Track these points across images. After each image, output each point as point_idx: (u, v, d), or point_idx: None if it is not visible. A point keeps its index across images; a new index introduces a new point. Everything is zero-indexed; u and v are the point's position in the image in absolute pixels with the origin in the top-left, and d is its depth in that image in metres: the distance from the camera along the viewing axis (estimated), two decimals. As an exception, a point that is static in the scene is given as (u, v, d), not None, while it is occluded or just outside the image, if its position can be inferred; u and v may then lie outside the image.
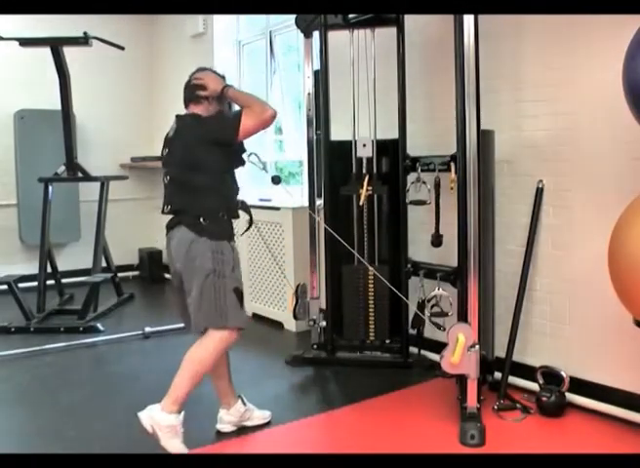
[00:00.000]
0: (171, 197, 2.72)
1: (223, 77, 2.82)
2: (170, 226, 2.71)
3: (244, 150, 2.77)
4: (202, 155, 2.61)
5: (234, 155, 2.72)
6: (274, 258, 4.44)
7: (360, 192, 3.44)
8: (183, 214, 2.65)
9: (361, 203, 3.46)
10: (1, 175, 5.78)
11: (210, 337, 2.60)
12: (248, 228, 2.92)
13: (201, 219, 2.59)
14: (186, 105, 2.77)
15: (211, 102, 2.73)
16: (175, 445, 2.52)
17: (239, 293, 2.64)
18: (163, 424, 2.52)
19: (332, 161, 3.62)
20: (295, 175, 5.32)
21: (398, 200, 3.47)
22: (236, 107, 2.77)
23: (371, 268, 3.47)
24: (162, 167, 2.80)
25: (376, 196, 3.54)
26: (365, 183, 3.43)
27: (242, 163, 2.79)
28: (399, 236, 3.51)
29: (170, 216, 2.73)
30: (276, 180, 3.17)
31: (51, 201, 4.91)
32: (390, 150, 3.51)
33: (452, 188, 3.01)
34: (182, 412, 2.56)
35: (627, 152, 2.74)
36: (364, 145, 3.46)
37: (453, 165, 3.07)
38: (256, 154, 2.89)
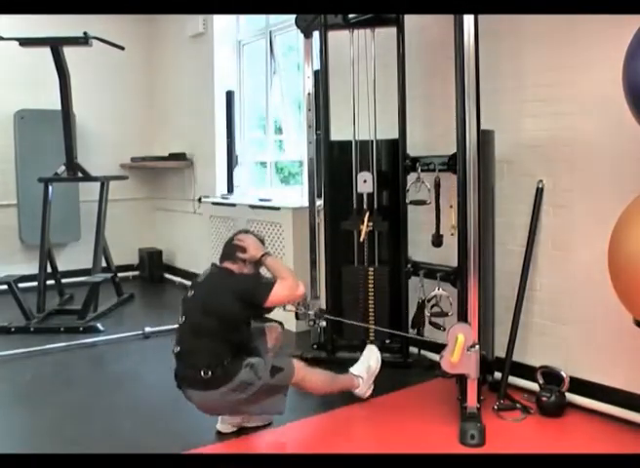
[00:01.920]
0: (182, 338, 2.75)
1: (262, 241, 2.91)
2: (179, 382, 2.74)
3: (269, 312, 2.88)
4: (227, 305, 2.66)
5: (257, 310, 2.80)
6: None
7: (361, 228, 3.43)
8: (188, 361, 2.67)
9: (362, 239, 3.45)
10: (1, 175, 5.79)
11: (298, 384, 2.81)
12: None
13: (202, 373, 2.59)
14: (222, 261, 2.83)
15: (246, 265, 2.80)
16: (374, 358, 3.15)
17: (276, 369, 2.72)
18: (365, 386, 3.06)
19: (332, 161, 3.62)
20: (295, 176, 5.32)
21: (398, 200, 3.47)
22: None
23: (372, 268, 3.46)
24: (181, 306, 2.81)
25: (375, 194, 3.53)
26: (365, 220, 3.43)
27: (261, 316, 2.97)
28: (399, 236, 3.51)
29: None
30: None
31: (51, 201, 4.91)
32: (392, 184, 3.48)
33: (452, 234, 2.94)
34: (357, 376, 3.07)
35: (627, 152, 2.74)
36: (365, 181, 3.44)
37: (454, 208, 2.91)
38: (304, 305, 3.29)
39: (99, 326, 4.45)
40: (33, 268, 4.90)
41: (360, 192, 3.46)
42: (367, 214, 3.44)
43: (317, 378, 2.87)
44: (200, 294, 2.75)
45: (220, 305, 2.66)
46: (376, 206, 3.47)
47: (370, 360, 3.13)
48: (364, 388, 3.05)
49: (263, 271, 2.92)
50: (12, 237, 5.84)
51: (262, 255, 2.81)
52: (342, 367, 3.58)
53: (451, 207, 2.96)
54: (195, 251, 5.65)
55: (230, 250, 2.82)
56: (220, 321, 2.65)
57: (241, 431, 2.80)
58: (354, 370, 3.08)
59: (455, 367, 2.67)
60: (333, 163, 3.62)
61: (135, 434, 2.80)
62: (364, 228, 3.42)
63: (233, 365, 2.64)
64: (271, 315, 4.56)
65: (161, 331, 4.28)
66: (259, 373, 2.65)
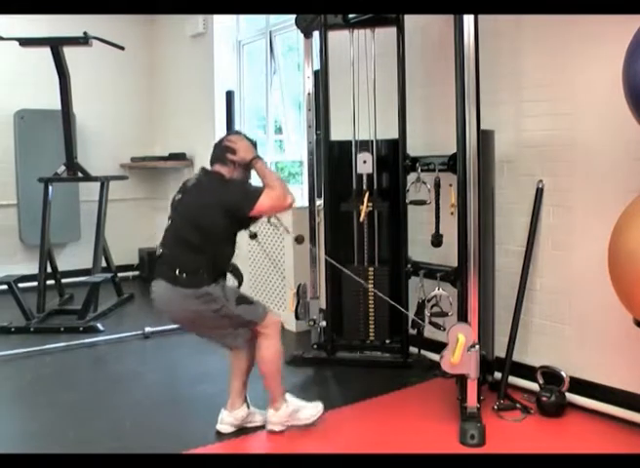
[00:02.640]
0: (165, 244, 2.75)
1: (255, 144, 2.83)
2: (154, 277, 2.75)
3: (255, 221, 2.82)
4: (211, 214, 2.63)
5: (242, 223, 2.77)
6: (274, 263, 4.44)
7: (360, 209, 3.44)
8: (168, 264, 2.68)
9: (361, 219, 3.45)
10: (1, 175, 5.78)
11: (263, 335, 2.73)
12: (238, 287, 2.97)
13: (178, 273, 2.61)
14: (212, 163, 2.79)
15: (237, 168, 2.74)
16: (308, 413, 2.80)
17: (242, 298, 2.72)
18: (284, 416, 2.76)
19: (332, 161, 3.62)
20: (295, 176, 5.32)
21: (398, 200, 3.47)
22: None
23: (372, 268, 3.47)
24: (170, 208, 2.80)
25: (376, 209, 3.54)
26: (365, 200, 3.43)
27: (246, 227, 2.86)
28: (399, 236, 3.51)
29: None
30: (300, 240, 3.34)
31: (51, 201, 4.91)
32: (390, 157, 3.50)
33: (452, 213, 2.97)
34: (288, 395, 2.81)
35: (627, 152, 2.74)
36: (364, 162, 3.45)
37: (454, 188, 2.95)
38: (277, 217, 2.96)
39: (99, 326, 4.45)
40: (33, 268, 4.90)
41: (360, 173, 3.47)
42: (367, 195, 3.44)
43: (276, 351, 2.77)
44: (188, 203, 2.71)
45: (204, 217, 2.63)
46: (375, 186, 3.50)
47: (308, 409, 2.84)
48: (279, 418, 2.78)
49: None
50: (12, 237, 5.84)
51: (253, 159, 2.72)
52: (342, 366, 3.60)
53: (450, 185, 2.99)
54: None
55: (221, 151, 2.75)
56: (204, 235, 2.63)
57: (241, 431, 2.79)
58: (290, 397, 2.84)
59: (455, 367, 2.67)
60: (333, 163, 3.62)
61: (135, 434, 2.80)
62: (364, 208, 3.42)
63: (207, 277, 2.64)
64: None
65: (161, 331, 4.27)
66: (227, 295, 2.66)
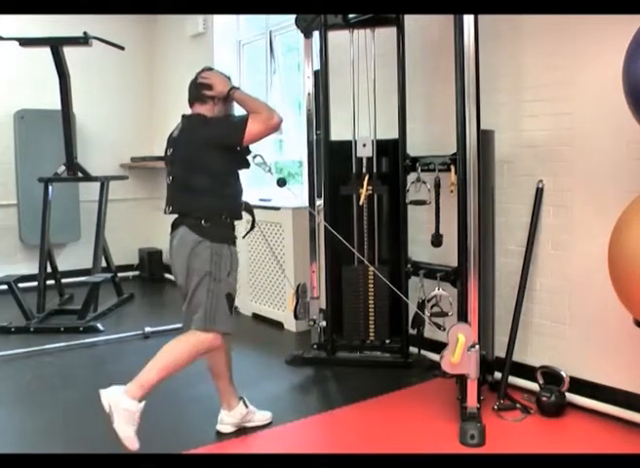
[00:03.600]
0: (173, 197, 2.71)
1: (229, 78, 2.79)
2: (173, 226, 2.71)
3: (249, 152, 2.76)
4: (206, 156, 2.60)
5: (239, 157, 2.72)
6: (276, 259, 4.44)
7: (360, 192, 3.44)
8: (186, 214, 2.65)
9: (361, 202, 3.46)
10: (1, 175, 5.78)
11: (193, 336, 2.59)
12: (250, 229, 2.92)
13: (202, 222, 2.58)
14: (191, 104, 2.75)
15: (216, 103, 2.70)
16: (127, 431, 2.45)
17: (231, 300, 2.65)
18: (121, 406, 2.47)
19: (332, 161, 3.62)
20: (295, 176, 5.32)
21: (398, 200, 3.47)
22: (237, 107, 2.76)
23: (372, 268, 3.47)
24: (165, 166, 2.79)
25: (376, 196, 3.54)
26: (365, 183, 3.43)
27: (247, 165, 2.78)
28: (399, 236, 3.51)
29: (171, 216, 2.72)
30: (281, 183, 3.15)
31: (51, 201, 4.91)
32: (390, 150, 3.51)
33: (452, 191, 3.00)
34: (144, 403, 2.52)
35: (627, 152, 2.74)
36: (364, 145, 3.46)
37: (453, 167, 3.06)
38: (261, 156, 2.88)
39: (99, 326, 4.45)
40: (33, 268, 4.90)
41: (360, 156, 3.47)
42: (366, 178, 3.45)
43: (181, 360, 2.57)
44: (179, 150, 2.69)
45: (200, 160, 2.60)
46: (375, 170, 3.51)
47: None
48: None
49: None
50: (12, 237, 5.84)
51: (230, 90, 2.68)
52: (342, 366, 3.60)
53: (449, 166, 3.08)
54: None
55: (196, 90, 2.70)
56: (208, 175, 2.60)
57: (241, 431, 2.79)
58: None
59: (455, 367, 2.67)
60: (333, 163, 3.62)
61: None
62: (363, 192, 3.42)
63: (230, 229, 2.63)
64: (271, 315, 4.59)
65: (161, 330, 4.27)
66: (231, 271, 2.60)
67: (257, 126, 2.60)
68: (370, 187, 3.47)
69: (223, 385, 2.81)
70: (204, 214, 2.60)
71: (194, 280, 2.59)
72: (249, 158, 2.78)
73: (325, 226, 3.50)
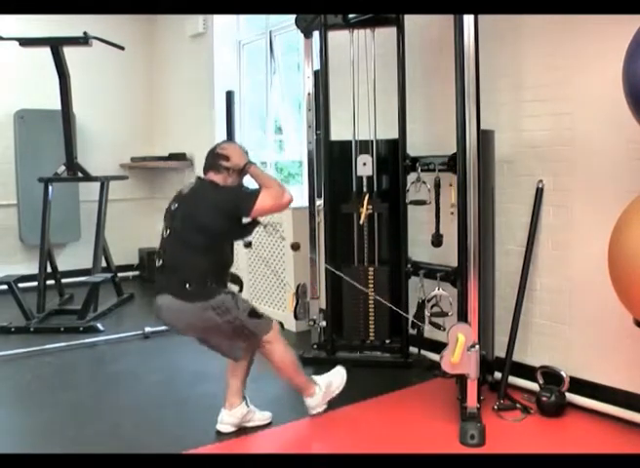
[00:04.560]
0: (165, 252, 2.74)
1: (247, 152, 2.86)
2: (157, 290, 2.73)
3: (258, 224, 2.84)
4: (210, 219, 2.64)
5: (242, 228, 2.79)
6: (274, 273, 4.44)
7: (360, 211, 3.44)
8: (172, 274, 2.67)
9: (361, 222, 3.45)
10: (1, 175, 5.78)
11: (265, 347, 2.77)
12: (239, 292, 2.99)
13: (186, 285, 2.61)
14: (206, 172, 2.80)
15: (231, 174, 2.76)
16: (337, 382, 2.96)
17: (254, 312, 2.72)
18: (320, 397, 2.90)
19: (332, 161, 3.62)
20: (295, 176, 5.32)
21: (398, 202, 3.47)
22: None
23: (372, 268, 3.47)
24: (164, 220, 2.81)
25: (376, 212, 3.54)
26: (365, 202, 3.43)
27: (248, 234, 2.89)
28: (399, 236, 3.51)
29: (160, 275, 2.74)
30: (295, 247, 3.37)
31: (51, 201, 4.91)
32: (391, 151, 3.51)
33: (452, 213, 2.95)
34: (317, 382, 2.90)
35: (627, 152, 2.74)
36: (364, 164, 3.45)
37: (454, 186, 2.94)
38: (272, 225, 3.01)
39: (99, 326, 4.45)
40: (33, 268, 4.90)
41: (360, 175, 3.47)
42: (366, 197, 3.44)
43: (286, 355, 2.82)
44: (185, 208, 2.72)
45: (204, 219, 2.63)
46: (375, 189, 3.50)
47: (335, 378, 3.01)
48: (317, 401, 2.91)
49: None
50: (12, 237, 5.84)
51: (246, 164, 2.75)
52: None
53: (450, 185, 2.98)
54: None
55: (213, 159, 2.77)
56: (205, 236, 2.63)
57: (241, 431, 2.79)
58: (318, 378, 2.97)
59: (455, 367, 2.67)
60: (333, 163, 3.62)
61: (135, 434, 2.80)
62: (364, 211, 3.42)
63: (216, 287, 2.65)
64: (271, 315, 4.58)
65: (161, 330, 4.27)
66: (238, 304, 2.67)
67: (267, 201, 2.66)
68: (370, 207, 3.46)
69: (236, 385, 2.82)
70: (188, 276, 2.62)
71: (220, 332, 2.68)
72: (258, 227, 2.88)
73: (325, 226, 3.50)
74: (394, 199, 3.49)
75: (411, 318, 3.34)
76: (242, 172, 2.77)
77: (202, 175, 2.82)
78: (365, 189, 3.49)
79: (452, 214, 2.97)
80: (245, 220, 2.77)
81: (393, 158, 3.49)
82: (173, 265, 2.68)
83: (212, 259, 2.66)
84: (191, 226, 2.65)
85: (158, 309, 2.72)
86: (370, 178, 3.49)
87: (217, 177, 2.75)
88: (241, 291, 2.98)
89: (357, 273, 3.57)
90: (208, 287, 2.63)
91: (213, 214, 2.64)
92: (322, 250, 3.77)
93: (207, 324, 2.65)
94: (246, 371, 2.84)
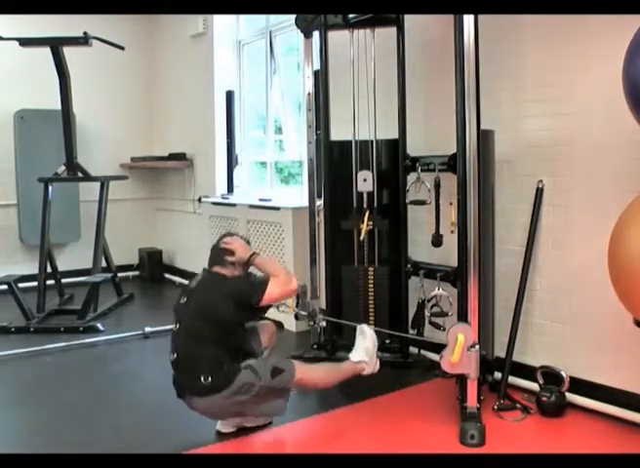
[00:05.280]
0: (178, 345, 2.76)
1: (248, 242, 2.92)
2: (178, 393, 2.76)
3: (267, 309, 2.87)
4: (221, 307, 2.67)
5: (252, 313, 2.82)
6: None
7: (361, 227, 3.43)
8: (187, 371, 2.67)
9: (362, 238, 3.44)
10: (1, 175, 5.79)
11: (300, 384, 2.79)
12: None
13: (202, 379, 2.60)
14: (211, 266, 2.84)
15: (236, 268, 2.80)
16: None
17: (276, 371, 2.70)
18: (372, 367, 3.01)
19: (332, 161, 3.62)
20: (295, 176, 5.32)
21: (398, 200, 3.47)
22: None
23: (372, 268, 3.47)
24: (174, 314, 2.84)
25: (375, 194, 3.53)
26: (365, 219, 3.43)
27: (257, 318, 2.94)
28: (399, 236, 3.50)
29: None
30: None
31: (51, 201, 4.91)
32: (391, 151, 3.50)
33: (452, 231, 2.92)
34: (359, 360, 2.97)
35: (627, 152, 2.74)
36: (364, 180, 3.44)
37: (454, 206, 2.90)
38: (286, 304, 3.15)
39: (99, 326, 4.45)
40: (33, 268, 4.90)
41: (360, 191, 3.46)
42: (367, 214, 3.44)
43: (318, 375, 2.86)
44: (194, 301, 2.75)
45: (215, 310, 2.66)
46: (376, 204, 3.45)
47: (365, 342, 3.05)
48: (371, 368, 3.01)
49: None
50: (12, 237, 5.84)
51: (251, 256, 2.83)
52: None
53: (451, 204, 2.95)
54: (195, 251, 5.65)
55: (218, 254, 2.83)
56: (217, 326, 2.65)
57: (241, 431, 2.79)
58: (354, 356, 3.01)
59: (455, 367, 2.67)
60: (333, 163, 3.62)
61: (135, 434, 2.80)
62: (364, 227, 3.42)
63: (233, 368, 2.65)
64: (271, 315, 4.58)
65: (161, 331, 4.28)
66: (258, 374, 2.66)
67: (276, 289, 2.71)
68: (370, 223, 3.43)
69: None
70: (206, 367, 2.62)
71: (255, 403, 2.69)
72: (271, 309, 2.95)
73: (325, 225, 3.50)
74: (395, 215, 3.46)
75: (423, 311, 3.31)
76: (248, 263, 2.82)
77: (207, 267, 2.86)
78: (365, 205, 3.46)
79: (452, 232, 2.94)
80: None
81: (393, 158, 3.48)
82: (187, 358, 2.69)
83: (225, 346, 2.67)
84: (202, 319, 2.67)
85: (193, 410, 2.73)
86: (370, 194, 3.47)
87: (223, 271, 2.80)
88: (282, 328, 3.02)
89: (357, 273, 3.57)
90: (225, 371, 2.63)
91: (224, 306, 2.66)
92: (322, 250, 3.77)
93: (239, 406, 2.65)
94: None
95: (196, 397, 2.66)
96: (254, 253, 2.85)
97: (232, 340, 2.72)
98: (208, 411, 2.70)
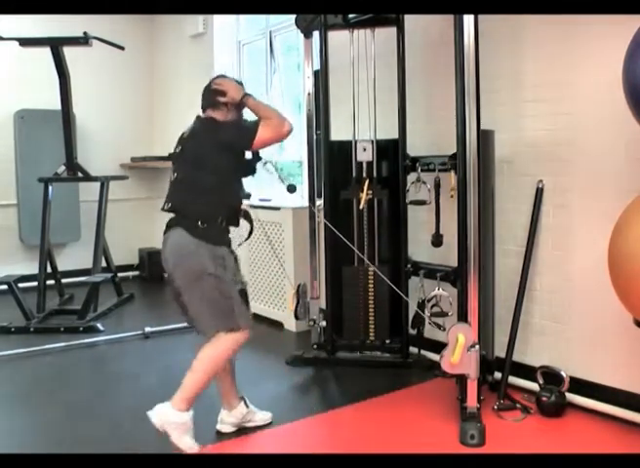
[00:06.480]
0: (173, 195, 2.73)
1: (242, 84, 2.82)
2: (168, 226, 2.71)
3: (259, 159, 2.79)
4: (214, 158, 2.62)
5: (247, 163, 2.75)
6: (278, 258, 4.44)
7: (360, 196, 3.43)
8: (182, 214, 2.66)
9: (361, 207, 3.45)
10: (1, 175, 5.78)
11: (222, 338, 2.59)
12: (248, 237, 2.94)
13: (199, 223, 2.59)
14: (204, 109, 2.77)
15: (229, 109, 2.73)
16: (186, 442, 2.54)
17: (245, 295, 2.69)
18: (173, 421, 2.52)
19: (332, 161, 3.62)
20: (295, 176, 5.31)
21: (398, 200, 3.47)
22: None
23: (373, 268, 3.47)
24: (172, 164, 2.81)
25: (376, 199, 3.53)
26: (365, 187, 3.43)
27: (253, 172, 2.81)
28: (399, 236, 3.51)
29: (169, 215, 2.73)
30: (292, 189, 3.17)
31: (51, 201, 4.91)
32: (391, 152, 3.51)
33: (452, 196, 2.97)
34: (192, 410, 2.58)
35: (627, 152, 2.74)
36: (364, 149, 3.45)
37: (453, 171, 3.02)
38: (272, 163, 2.92)
39: (99, 326, 4.45)
40: (33, 268, 4.90)
41: (360, 161, 3.46)
42: (366, 182, 3.44)
43: (216, 361, 2.59)
44: (188, 149, 2.70)
45: (208, 157, 2.61)
46: (375, 175, 3.48)
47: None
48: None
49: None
50: (12, 237, 5.84)
51: (243, 97, 2.71)
52: (342, 366, 3.60)
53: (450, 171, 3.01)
54: (195, 251, 5.65)
55: (210, 95, 2.73)
56: (213, 174, 2.60)
57: (241, 431, 2.80)
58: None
59: (455, 367, 2.67)
60: (333, 163, 3.62)
61: (135, 434, 2.80)
62: (363, 196, 3.41)
63: (225, 230, 2.64)
64: (271, 315, 4.59)
65: (161, 330, 4.28)
66: (237, 273, 2.66)
67: (267, 132, 2.63)
68: (370, 192, 3.45)
69: (226, 386, 2.81)
70: (201, 215, 2.60)
71: (198, 282, 2.57)
72: (259, 164, 2.81)
73: (325, 224, 3.50)
74: (394, 186, 3.47)
75: (423, 311, 3.31)
76: (240, 105, 2.74)
77: (200, 113, 2.78)
78: (365, 175, 3.48)
79: (452, 196, 2.97)
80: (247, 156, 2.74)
81: (393, 158, 3.49)
82: (182, 209, 2.66)
83: (221, 199, 2.64)
84: (197, 167, 2.63)
85: (163, 243, 2.70)
86: (370, 165, 3.48)
87: (215, 114, 2.72)
88: (251, 230, 2.91)
89: (357, 273, 3.57)
90: (219, 226, 2.61)
91: (216, 151, 2.61)
92: (322, 249, 3.77)
93: (198, 276, 2.55)
94: (228, 370, 2.79)
95: (184, 231, 2.59)
96: (246, 94, 2.72)
97: (228, 196, 2.67)
98: (175, 253, 2.63)
